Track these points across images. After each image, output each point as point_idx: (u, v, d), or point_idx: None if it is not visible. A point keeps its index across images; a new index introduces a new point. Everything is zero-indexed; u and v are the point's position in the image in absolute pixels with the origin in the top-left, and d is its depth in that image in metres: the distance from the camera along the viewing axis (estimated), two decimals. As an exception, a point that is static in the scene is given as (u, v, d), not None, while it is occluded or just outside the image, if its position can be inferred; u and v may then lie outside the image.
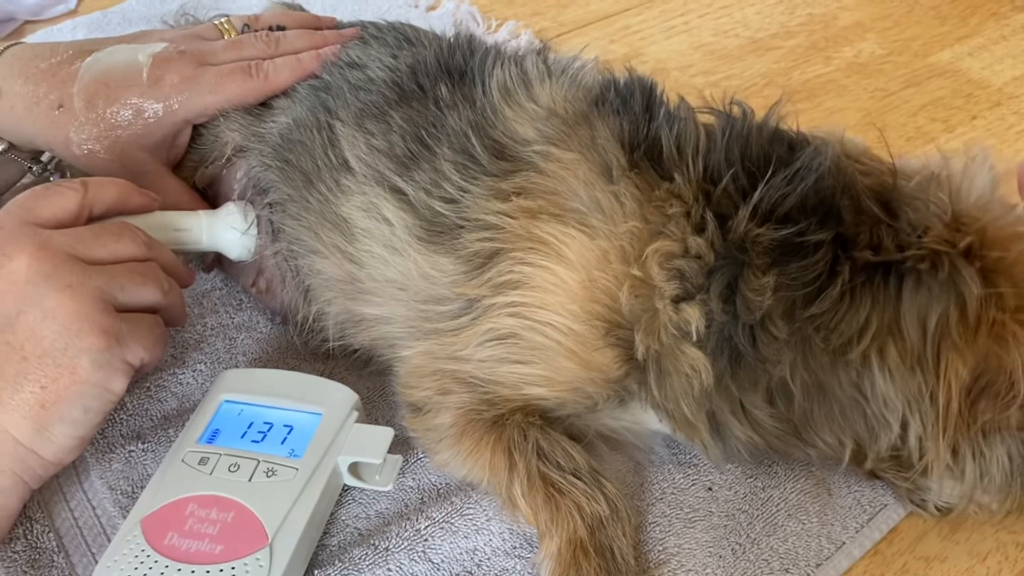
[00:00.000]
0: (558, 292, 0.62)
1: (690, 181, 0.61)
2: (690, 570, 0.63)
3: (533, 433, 0.64)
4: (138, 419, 0.75)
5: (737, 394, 0.60)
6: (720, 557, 0.64)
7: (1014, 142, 1.04)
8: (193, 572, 0.58)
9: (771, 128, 0.65)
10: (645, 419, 0.67)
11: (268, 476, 0.64)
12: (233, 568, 0.59)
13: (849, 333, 0.57)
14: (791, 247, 0.58)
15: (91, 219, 0.68)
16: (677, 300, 0.60)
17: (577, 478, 0.62)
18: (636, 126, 0.64)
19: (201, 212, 0.78)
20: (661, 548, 0.65)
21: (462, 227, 0.65)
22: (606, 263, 0.61)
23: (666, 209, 0.60)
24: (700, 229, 0.60)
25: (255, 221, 0.77)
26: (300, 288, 0.75)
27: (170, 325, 0.70)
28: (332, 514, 0.67)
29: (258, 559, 0.59)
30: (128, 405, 0.75)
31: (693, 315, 0.59)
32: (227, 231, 0.77)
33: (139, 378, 0.72)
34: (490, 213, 0.64)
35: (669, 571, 0.63)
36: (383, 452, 0.66)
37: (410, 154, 0.68)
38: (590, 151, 0.64)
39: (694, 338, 0.59)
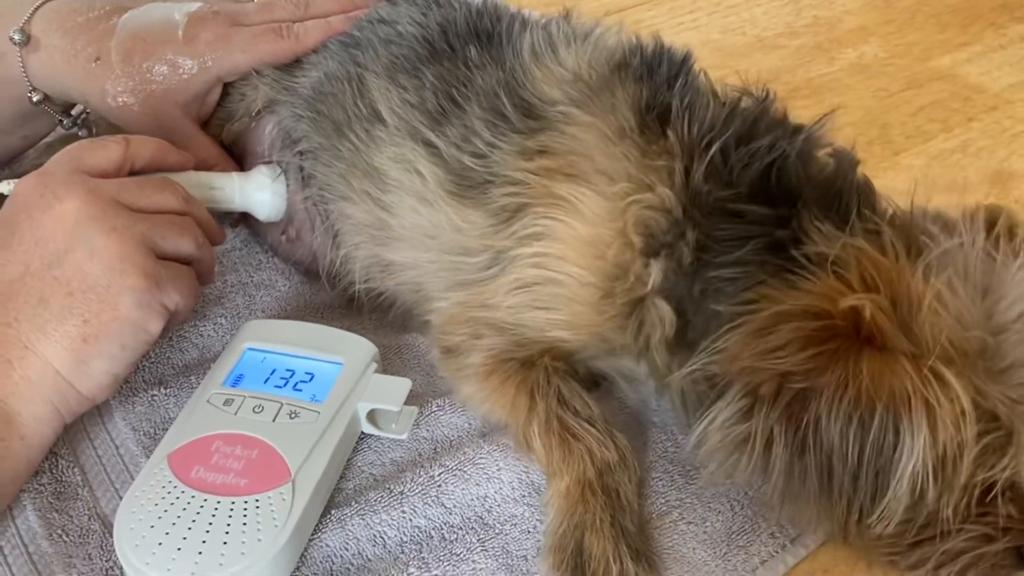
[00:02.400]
0: (574, 245, 0.66)
1: (680, 140, 0.64)
2: (690, 522, 0.66)
3: (556, 380, 0.67)
4: (160, 367, 0.78)
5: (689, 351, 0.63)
6: (719, 512, 0.67)
7: (1008, 143, 1.08)
8: (219, 503, 0.61)
9: (774, 112, 0.68)
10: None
11: (291, 418, 0.66)
12: (258, 501, 0.61)
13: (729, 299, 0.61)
14: (727, 212, 0.62)
15: (132, 173, 0.71)
16: (646, 254, 0.64)
17: (591, 425, 0.66)
18: (654, 92, 0.68)
19: (234, 173, 0.81)
20: (663, 500, 0.68)
21: (491, 182, 0.68)
22: (608, 220, 0.65)
23: (654, 164, 0.64)
24: (673, 184, 0.64)
25: (286, 184, 0.81)
26: (329, 232, 0.79)
27: (200, 280, 0.73)
28: (349, 460, 0.70)
29: (281, 494, 0.62)
30: (151, 353, 0.78)
31: (655, 269, 0.63)
32: (259, 192, 0.80)
33: (171, 328, 0.74)
34: (516, 170, 0.68)
35: (670, 521, 0.66)
36: (401, 400, 0.69)
37: (441, 110, 0.71)
38: (607, 115, 0.67)
39: (649, 289, 0.63)
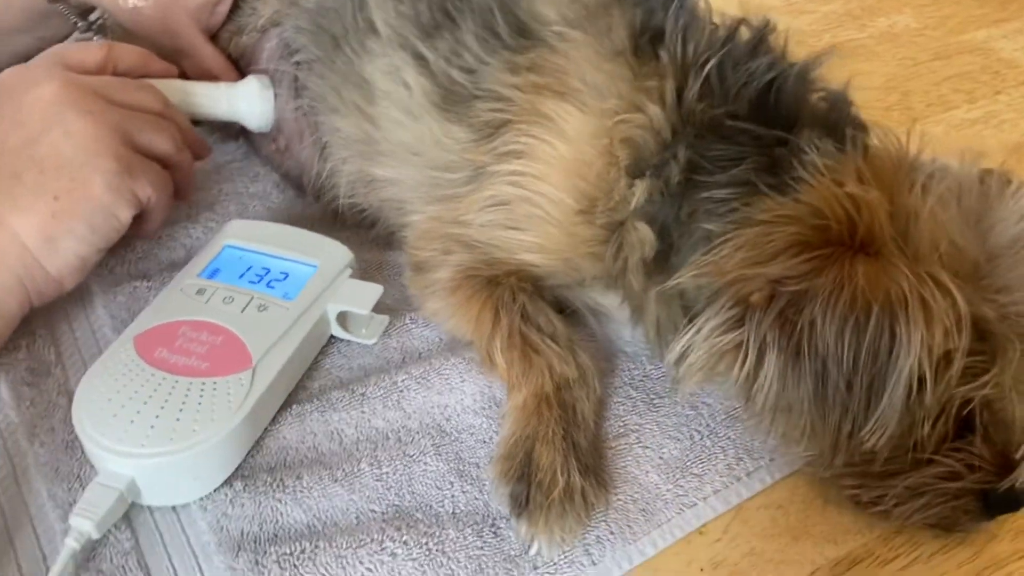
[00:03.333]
0: (554, 165, 0.65)
1: (673, 61, 0.63)
2: (646, 446, 0.66)
3: (522, 297, 0.67)
4: (146, 262, 0.79)
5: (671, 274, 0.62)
6: (677, 440, 0.66)
7: (1033, 119, 1.05)
8: (177, 382, 0.62)
9: (772, 43, 0.67)
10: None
11: (260, 311, 0.67)
12: (216, 383, 0.62)
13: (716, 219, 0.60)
14: (722, 131, 0.61)
15: (115, 75, 0.73)
16: (632, 174, 0.63)
17: (554, 341, 0.65)
18: (649, 15, 0.67)
19: (223, 83, 0.82)
20: (622, 424, 0.67)
21: (477, 97, 0.68)
22: (593, 139, 0.64)
23: (645, 84, 0.63)
24: (664, 104, 0.63)
25: (274, 95, 0.81)
26: (317, 145, 0.79)
27: (178, 192, 0.75)
28: (317, 362, 0.71)
29: (240, 379, 0.63)
30: (138, 247, 0.79)
31: (639, 189, 0.62)
32: (247, 101, 0.81)
33: (149, 228, 0.75)
34: (503, 85, 0.67)
35: (626, 444, 0.66)
36: (370, 305, 0.69)
37: (435, 23, 0.71)
38: (602, 36, 0.67)
39: (632, 209, 0.63)
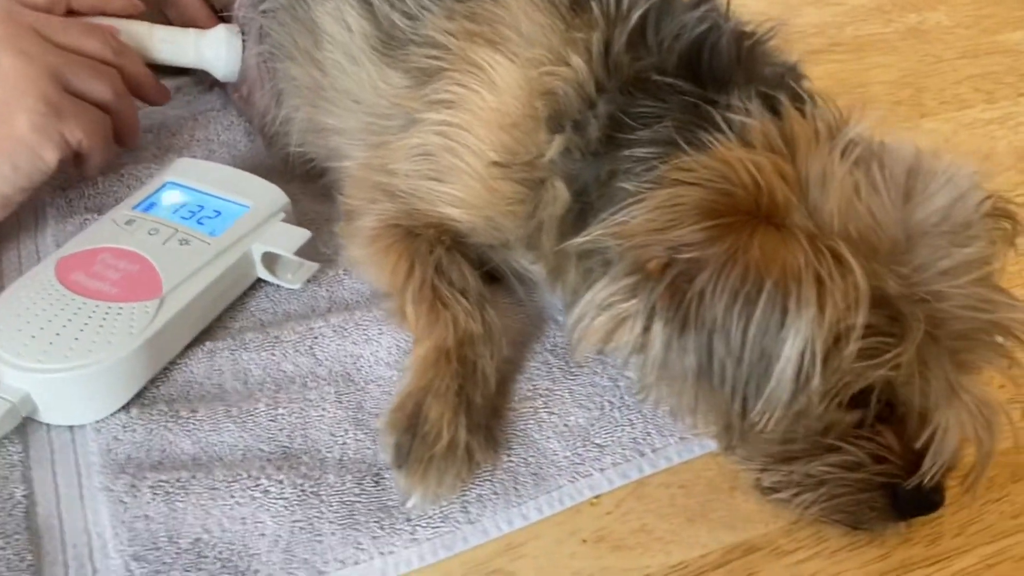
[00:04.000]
0: (480, 116, 0.64)
1: (605, 12, 0.61)
2: (552, 412, 0.64)
3: (439, 250, 0.66)
4: (104, 197, 0.80)
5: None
6: (587, 409, 0.64)
7: (1054, 124, 0.99)
8: (84, 304, 0.62)
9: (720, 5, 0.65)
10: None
11: (181, 244, 0.67)
12: (120, 308, 0.62)
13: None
14: (649, 87, 0.59)
15: (70, 14, 0.73)
16: (551, 129, 0.61)
17: (464, 296, 0.64)
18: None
19: (191, 30, 0.83)
20: (532, 387, 0.65)
21: (414, 42, 0.67)
22: (518, 90, 0.62)
23: (574, 36, 0.61)
24: (590, 57, 0.60)
25: (242, 44, 0.82)
26: (274, 92, 0.79)
27: (120, 138, 0.75)
28: (243, 303, 0.71)
29: (146, 307, 0.63)
30: (100, 184, 0.80)
31: (556, 144, 0.61)
32: (214, 49, 0.82)
33: (89, 170, 0.76)
34: (439, 32, 0.66)
35: (532, 407, 0.64)
36: (294, 248, 0.69)
37: None
38: None
39: (546, 160, 0.61)
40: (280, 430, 0.62)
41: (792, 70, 0.64)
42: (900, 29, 1.14)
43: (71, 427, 0.62)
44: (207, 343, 0.67)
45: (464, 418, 0.59)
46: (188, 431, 0.61)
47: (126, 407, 0.62)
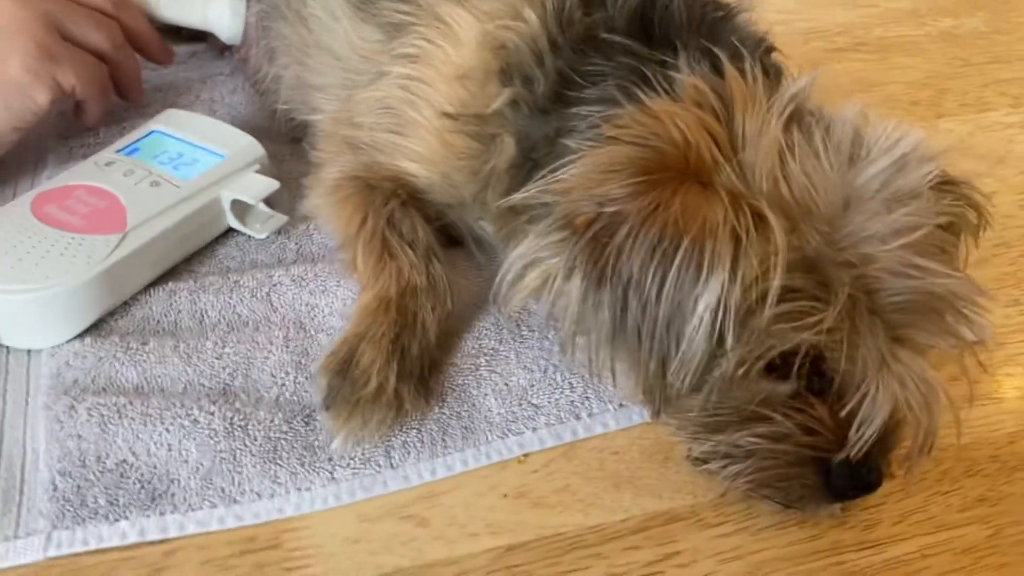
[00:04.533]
0: (441, 71, 0.64)
1: None
2: (494, 371, 0.63)
3: (393, 203, 0.67)
4: (103, 147, 0.82)
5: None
6: (531, 371, 0.63)
7: (1081, 132, 0.94)
8: (49, 233, 0.65)
9: None
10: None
11: (152, 186, 0.69)
12: (82, 240, 0.64)
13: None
14: (599, 45, 0.58)
15: None
16: (502, 83, 0.61)
17: (412, 248, 0.64)
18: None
19: None
20: (478, 346, 0.65)
21: None
22: (476, 44, 0.62)
23: None
24: (544, 12, 0.60)
25: (247, 7, 0.84)
26: (267, 50, 0.81)
27: (121, 90, 0.78)
28: (212, 250, 0.72)
29: (107, 241, 0.65)
30: (100, 134, 0.83)
31: (504, 96, 0.60)
32: (219, 11, 0.84)
33: (88, 117, 0.79)
34: None
35: (473, 364, 0.63)
36: (260, 196, 0.70)
37: None
38: None
39: (490, 113, 0.61)
40: (224, 368, 0.63)
41: (759, 43, 0.63)
42: (932, 32, 1.11)
43: (28, 351, 0.64)
44: (169, 283, 0.68)
45: (396, 366, 0.59)
46: (135, 362, 0.62)
47: (81, 336, 0.64)
